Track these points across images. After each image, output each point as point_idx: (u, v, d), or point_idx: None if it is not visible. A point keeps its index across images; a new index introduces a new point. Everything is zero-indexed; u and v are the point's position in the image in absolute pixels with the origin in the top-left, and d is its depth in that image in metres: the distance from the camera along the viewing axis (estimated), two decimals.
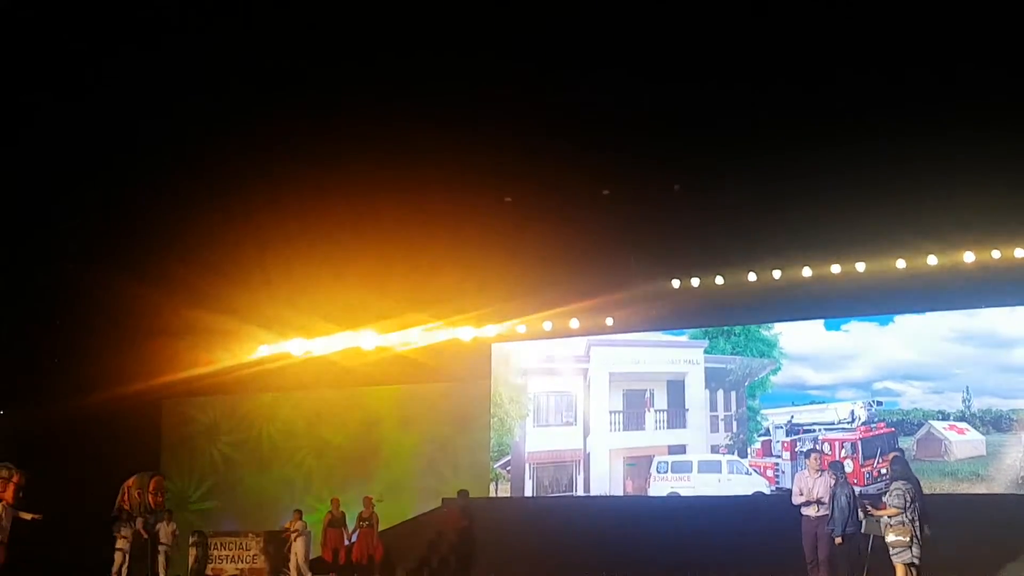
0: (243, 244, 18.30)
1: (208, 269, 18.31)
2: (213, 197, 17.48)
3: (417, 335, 21.35)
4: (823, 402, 18.87)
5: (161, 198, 17.58)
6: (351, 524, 19.91)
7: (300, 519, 20.25)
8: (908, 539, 12.55)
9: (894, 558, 12.61)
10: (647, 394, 20.27)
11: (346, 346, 21.74)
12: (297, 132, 16.59)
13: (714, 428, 19.76)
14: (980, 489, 17.48)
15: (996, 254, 17.51)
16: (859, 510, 13.50)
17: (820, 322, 19.19)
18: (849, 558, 13.63)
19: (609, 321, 20.29)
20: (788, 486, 17.26)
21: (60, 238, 18.39)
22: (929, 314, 18.43)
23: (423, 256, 18.62)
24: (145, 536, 16.84)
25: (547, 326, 20.71)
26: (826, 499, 13.91)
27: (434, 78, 15.26)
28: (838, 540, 13.59)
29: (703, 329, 20.01)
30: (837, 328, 19.12)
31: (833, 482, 13.90)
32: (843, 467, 14.67)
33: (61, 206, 17.49)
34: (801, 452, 17.55)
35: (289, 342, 21.87)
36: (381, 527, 20.05)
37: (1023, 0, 13.29)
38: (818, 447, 17.31)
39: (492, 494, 20.96)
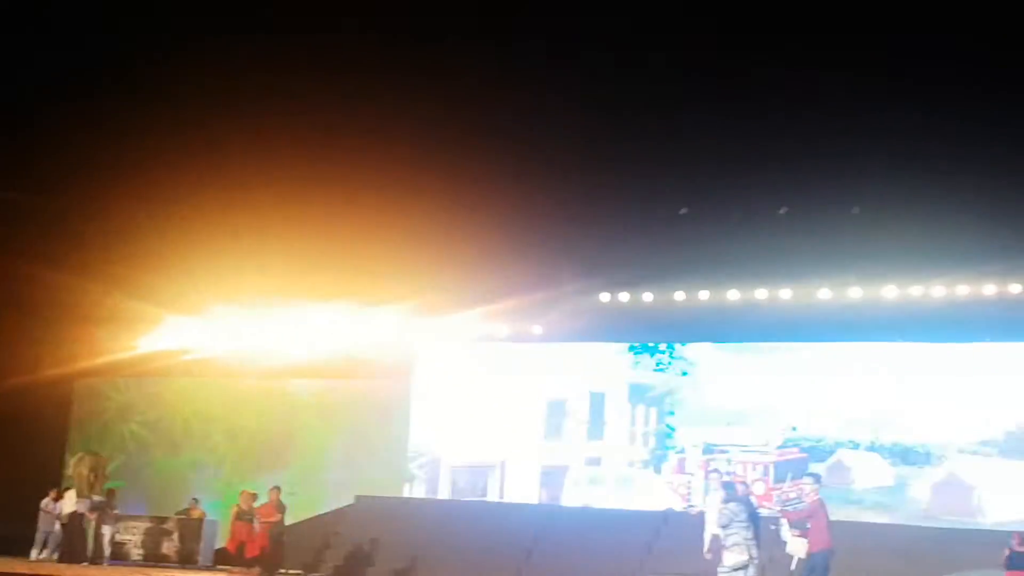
0: (166, 233, 18.03)
1: (129, 258, 18.04)
2: (133, 184, 17.19)
3: (341, 326, 21.16)
4: (739, 424, 19.15)
5: (77, 183, 17.29)
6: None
7: (198, 507, 20.02)
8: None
9: None
10: (568, 405, 20.42)
11: (269, 336, 21.54)
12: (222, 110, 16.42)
13: (631, 443, 19.98)
14: (884, 519, 17.89)
15: (918, 290, 18.04)
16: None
17: (740, 344, 19.52)
18: None
19: (537, 329, 20.36)
20: (699, 503, 17.52)
21: None
22: (845, 344, 18.82)
23: (353, 247, 18.34)
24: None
25: (474, 330, 20.62)
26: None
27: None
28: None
29: (628, 344, 20.24)
30: (757, 351, 19.44)
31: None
32: (734, 486, 14.17)
33: None
34: (713, 471, 17.72)
35: (211, 330, 21.58)
36: (290, 521, 19.69)
37: None
38: (731, 467, 17.59)
39: (407, 494, 20.95)
